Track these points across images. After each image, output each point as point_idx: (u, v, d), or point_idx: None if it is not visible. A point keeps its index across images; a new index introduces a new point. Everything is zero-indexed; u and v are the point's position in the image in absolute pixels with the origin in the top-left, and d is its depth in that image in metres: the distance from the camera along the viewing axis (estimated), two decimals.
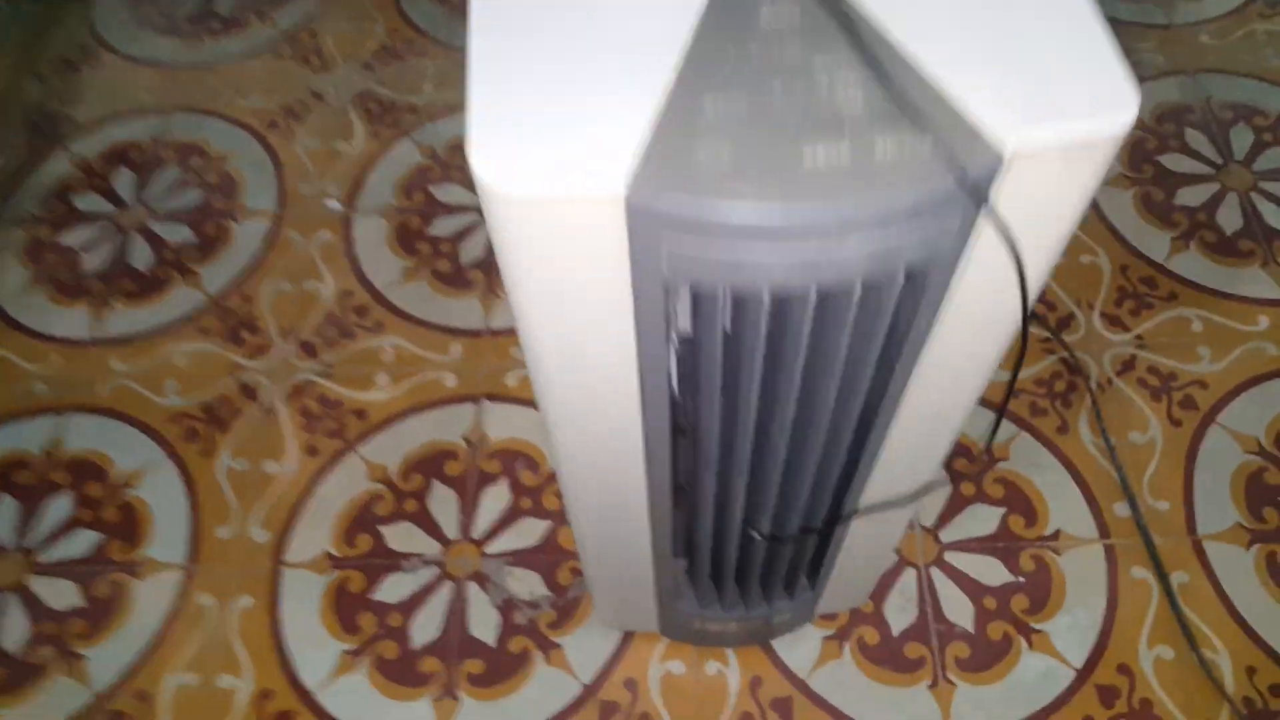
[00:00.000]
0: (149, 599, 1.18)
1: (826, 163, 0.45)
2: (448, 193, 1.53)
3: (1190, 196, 1.49)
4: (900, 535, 0.92)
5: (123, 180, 1.55)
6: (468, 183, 1.53)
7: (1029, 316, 0.57)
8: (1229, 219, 1.46)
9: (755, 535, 0.77)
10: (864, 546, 0.90)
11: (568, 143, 0.46)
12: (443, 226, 1.49)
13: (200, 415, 1.32)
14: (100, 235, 1.49)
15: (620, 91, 0.47)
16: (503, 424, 1.30)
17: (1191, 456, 1.26)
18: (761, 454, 0.67)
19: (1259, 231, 1.45)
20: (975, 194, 0.47)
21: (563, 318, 0.55)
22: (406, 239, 1.48)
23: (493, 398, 1.32)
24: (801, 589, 0.97)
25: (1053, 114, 0.47)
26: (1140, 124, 1.57)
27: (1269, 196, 1.48)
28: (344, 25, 1.75)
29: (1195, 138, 1.55)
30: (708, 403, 0.61)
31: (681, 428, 0.70)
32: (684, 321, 0.60)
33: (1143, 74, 1.63)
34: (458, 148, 1.57)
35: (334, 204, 1.50)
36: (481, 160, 0.46)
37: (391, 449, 1.28)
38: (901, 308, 0.55)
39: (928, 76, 0.47)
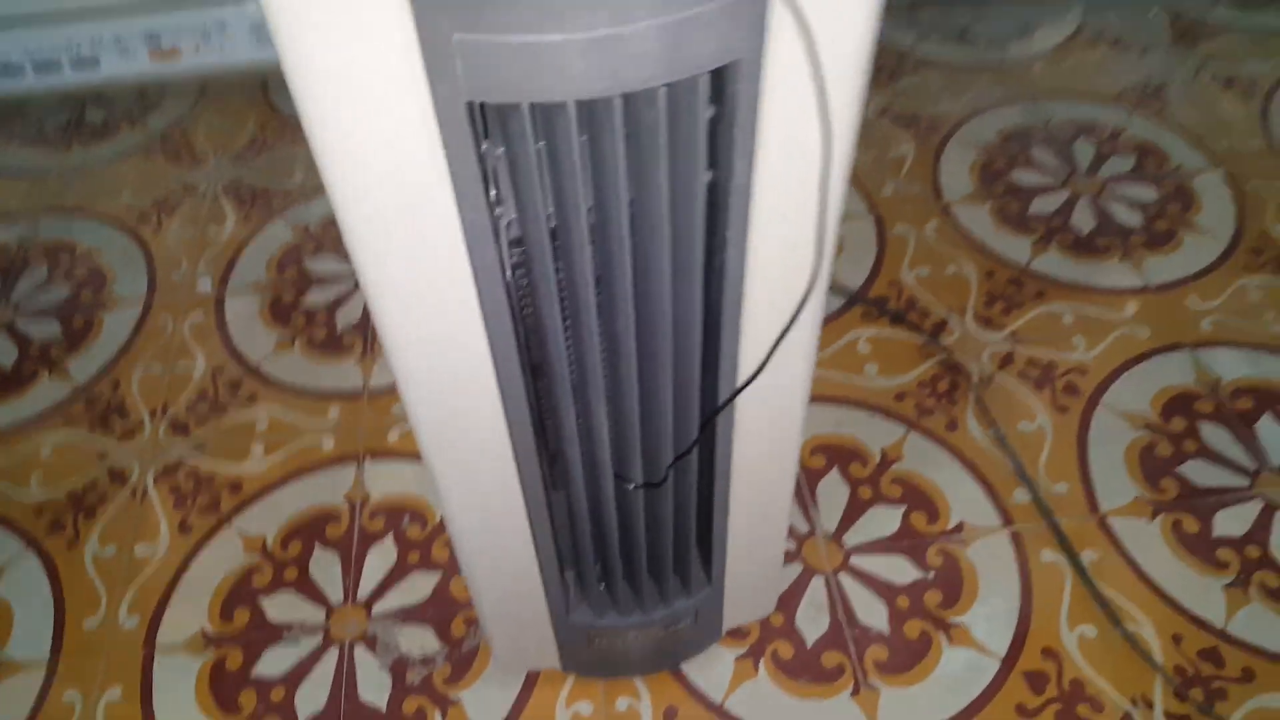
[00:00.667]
0: (6, 705, 1.02)
1: None
2: (321, 264, 1.43)
3: (1044, 205, 1.46)
4: (791, 483, 0.80)
5: None
6: (342, 252, 1.43)
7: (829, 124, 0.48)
8: (1083, 221, 1.43)
9: (629, 486, 0.66)
10: (752, 503, 0.79)
11: None
12: (317, 296, 1.39)
13: (66, 504, 1.17)
14: None
15: None
16: (386, 481, 1.18)
17: (1082, 439, 1.18)
18: (615, 368, 0.57)
19: (1113, 229, 1.42)
20: None
21: (369, 165, 0.46)
22: (280, 311, 1.37)
23: (375, 455, 1.20)
24: (698, 582, 0.85)
25: None
26: (987, 147, 1.55)
27: (1117, 197, 1.46)
28: (215, 121, 1.68)
29: (1041, 154, 1.54)
30: (547, 301, 0.52)
31: (533, 364, 0.60)
32: (512, 219, 0.51)
33: (984, 104, 1.63)
34: (331, 223, 1.48)
35: (205, 284, 1.39)
36: None
37: (269, 518, 1.15)
38: (717, 137, 0.46)
39: None
